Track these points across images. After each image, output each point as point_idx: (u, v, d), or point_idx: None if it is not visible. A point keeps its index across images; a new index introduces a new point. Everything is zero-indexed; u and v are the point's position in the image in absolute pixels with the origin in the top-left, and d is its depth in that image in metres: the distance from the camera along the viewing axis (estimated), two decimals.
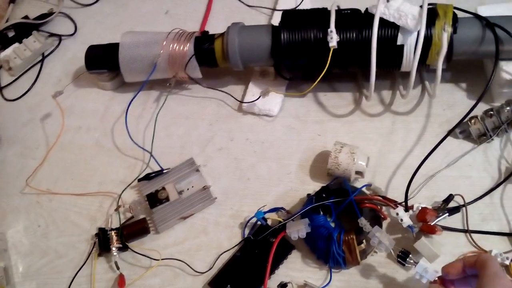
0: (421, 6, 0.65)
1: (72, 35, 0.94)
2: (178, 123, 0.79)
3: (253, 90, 0.78)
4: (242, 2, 0.90)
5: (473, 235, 0.62)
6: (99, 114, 0.82)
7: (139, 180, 0.72)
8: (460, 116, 0.69)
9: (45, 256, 0.71)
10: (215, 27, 0.88)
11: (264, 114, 0.77)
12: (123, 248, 0.67)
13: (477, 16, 0.67)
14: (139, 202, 0.70)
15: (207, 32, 0.78)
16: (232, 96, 0.79)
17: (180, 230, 0.69)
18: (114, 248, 0.67)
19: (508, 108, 0.65)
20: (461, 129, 0.69)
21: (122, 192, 0.72)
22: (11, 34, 0.91)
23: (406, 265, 0.58)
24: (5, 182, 0.78)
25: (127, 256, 0.68)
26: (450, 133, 0.64)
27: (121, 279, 0.65)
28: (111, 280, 0.67)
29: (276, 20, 0.84)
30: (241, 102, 0.78)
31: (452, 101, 0.73)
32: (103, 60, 0.79)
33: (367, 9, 0.69)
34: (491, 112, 0.66)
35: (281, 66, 0.75)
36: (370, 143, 0.71)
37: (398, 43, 0.66)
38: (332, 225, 0.62)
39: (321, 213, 0.62)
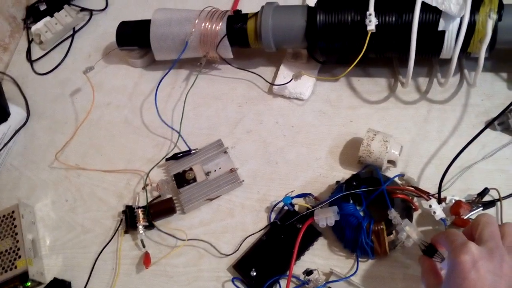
0: None
1: (103, 10, 0.93)
2: (207, 104, 0.78)
3: (285, 73, 0.76)
4: None
5: None
6: (129, 91, 0.82)
7: (167, 159, 0.72)
8: (499, 107, 0.67)
9: (72, 230, 0.71)
10: (248, 5, 0.86)
11: (295, 98, 0.75)
12: (149, 226, 0.68)
13: None
14: (166, 181, 0.70)
15: (240, 11, 0.77)
16: (263, 78, 0.78)
17: (206, 212, 0.69)
18: (140, 226, 0.67)
19: None
20: (499, 121, 0.66)
21: (150, 170, 0.72)
22: (42, 7, 0.91)
23: (433, 259, 0.56)
24: (35, 156, 0.79)
25: (153, 234, 0.68)
26: (488, 126, 0.61)
27: (146, 257, 0.65)
28: (136, 258, 0.67)
29: (311, 0, 0.82)
30: (272, 84, 0.76)
31: (491, 91, 0.70)
32: (134, 37, 0.79)
33: None
34: None
35: (314, 48, 0.73)
36: (404, 131, 0.69)
37: (440, 28, 0.63)
38: (362, 214, 0.61)
39: (351, 201, 0.61)
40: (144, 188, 0.71)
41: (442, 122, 0.69)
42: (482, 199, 0.61)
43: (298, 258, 0.62)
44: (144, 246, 0.66)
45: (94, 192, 0.73)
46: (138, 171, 0.74)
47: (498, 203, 0.61)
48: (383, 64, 0.75)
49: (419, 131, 0.69)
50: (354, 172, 0.66)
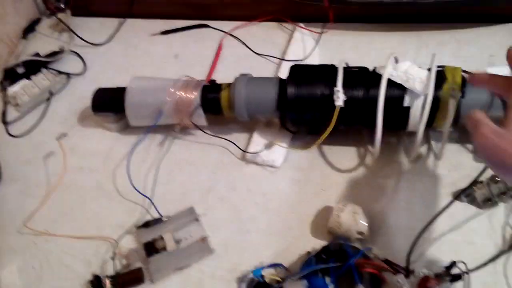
0: (429, 69, 0.65)
1: (81, 74, 0.94)
2: (180, 169, 0.79)
3: (258, 140, 0.78)
4: (251, 50, 0.91)
5: None
6: (103, 156, 0.82)
7: (137, 227, 0.71)
8: (466, 178, 0.69)
9: None
10: (223, 73, 0.88)
11: (267, 165, 0.76)
12: None
13: None
14: (135, 250, 0.69)
15: (215, 81, 0.79)
16: (236, 145, 0.79)
17: (175, 282, 0.68)
18: None
19: None
20: (466, 193, 0.68)
21: (119, 238, 0.71)
22: (20, 70, 0.92)
23: None
24: (3, 220, 0.77)
25: None
26: (455, 199, 0.63)
27: None
28: None
29: (284, 70, 0.85)
30: (245, 151, 0.77)
31: (457, 162, 0.72)
32: (109, 104, 0.80)
33: (375, 68, 0.69)
34: (497, 178, 0.65)
35: (286, 119, 0.75)
36: (373, 201, 0.70)
37: (405, 105, 0.65)
38: (331, 287, 0.61)
39: (320, 275, 0.61)
40: (113, 257, 0.69)
41: (411, 192, 0.71)
42: (450, 272, 0.61)
43: None
44: None
45: (62, 259, 0.72)
46: (108, 238, 0.72)
47: (466, 276, 0.61)
48: (354, 134, 0.77)
49: (388, 201, 0.70)
50: (325, 242, 0.66)
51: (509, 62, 0.50)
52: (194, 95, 0.75)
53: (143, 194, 0.75)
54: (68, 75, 0.94)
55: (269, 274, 0.65)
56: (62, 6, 1.03)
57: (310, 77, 0.70)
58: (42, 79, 0.90)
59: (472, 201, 0.68)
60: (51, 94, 0.91)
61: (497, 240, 0.65)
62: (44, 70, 0.92)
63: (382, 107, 0.64)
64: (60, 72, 0.93)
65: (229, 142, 0.79)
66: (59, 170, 0.80)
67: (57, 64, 0.95)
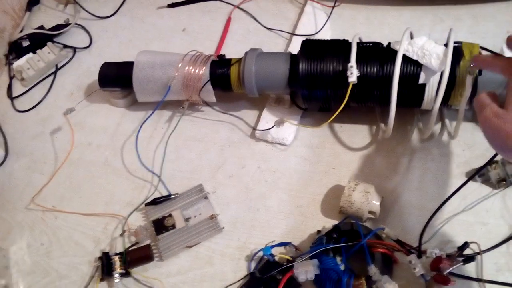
0: (446, 45, 0.63)
1: (87, 47, 0.93)
2: (189, 146, 0.78)
3: (267, 117, 0.76)
4: (261, 24, 0.88)
5: (488, 285, 0.60)
6: (110, 132, 0.81)
7: (146, 204, 0.71)
8: (480, 157, 0.68)
9: (47, 276, 0.69)
10: (232, 48, 0.86)
11: (277, 143, 0.75)
12: (126, 274, 0.66)
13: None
14: (145, 227, 0.69)
15: (224, 56, 0.77)
16: (246, 122, 0.77)
17: (185, 259, 0.68)
18: (116, 275, 0.65)
19: None
20: (480, 173, 0.66)
21: (129, 215, 0.71)
22: (25, 44, 0.90)
23: None
24: (11, 196, 0.77)
25: (129, 282, 0.67)
26: (469, 179, 0.61)
27: None
28: None
29: (295, 45, 0.83)
30: (254, 129, 0.76)
31: (472, 141, 0.70)
32: (116, 79, 0.78)
33: (389, 44, 0.67)
34: None
35: (297, 95, 0.73)
36: (385, 180, 0.69)
37: (420, 81, 0.64)
38: (342, 268, 0.60)
39: (331, 255, 0.60)
40: (122, 234, 0.69)
41: (424, 171, 0.69)
42: (462, 253, 0.60)
43: None
44: None
45: (71, 236, 0.72)
46: (116, 215, 0.72)
47: (479, 256, 0.61)
48: (366, 112, 0.75)
49: (401, 180, 0.69)
50: (336, 221, 0.66)
51: (509, 46, 0.50)
52: (203, 70, 0.73)
53: (151, 171, 0.75)
54: (74, 48, 0.92)
55: (279, 253, 0.64)
56: None
57: (322, 53, 0.68)
58: (48, 53, 0.89)
59: (486, 181, 0.66)
60: (57, 68, 0.90)
61: (510, 221, 0.64)
62: (49, 43, 0.90)
63: (397, 84, 0.63)
64: (65, 46, 0.92)
65: (239, 119, 0.78)
66: (66, 146, 0.80)
67: (63, 37, 0.94)
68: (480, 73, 0.63)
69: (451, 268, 0.58)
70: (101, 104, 0.84)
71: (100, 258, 0.67)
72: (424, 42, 0.63)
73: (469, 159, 0.69)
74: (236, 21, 0.91)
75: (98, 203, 0.74)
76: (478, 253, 0.61)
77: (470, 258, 0.60)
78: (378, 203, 0.64)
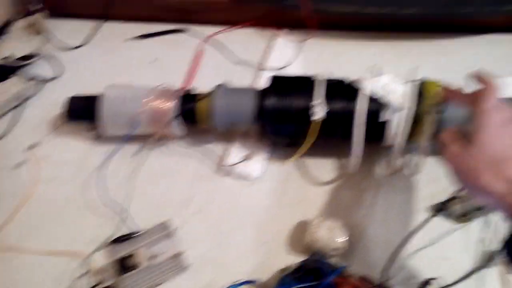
0: (408, 84, 0.64)
1: (55, 78, 0.92)
2: (157, 181, 0.77)
3: (236, 152, 0.76)
4: (231, 57, 0.89)
5: None
6: (76, 166, 0.80)
7: (110, 242, 0.70)
8: (443, 191, 0.69)
9: None
10: (202, 81, 0.86)
11: (245, 177, 0.75)
12: None
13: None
14: (108, 266, 0.68)
15: (192, 90, 0.77)
16: (214, 156, 0.77)
17: None
18: None
19: None
20: (443, 208, 0.67)
21: (92, 254, 0.69)
22: None
23: None
24: None
25: None
26: (434, 215, 0.62)
27: None
28: None
29: (265, 78, 0.83)
30: (223, 163, 0.76)
31: (435, 175, 0.71)
32: (84, 112, 0.77)
33: (355, 80, 0.68)
34: None
35: (265, 130, 0.74)
36: (351, 215, 0.70)
37: (383, 119, 0.65)
38: None
39: None
40: (84, 273, 0.68)
41: (388, 206, 0.70)
42: None
43: None
44: None
45: (31, 276, 0.69)
46: (80, 253, 0.70)
47: None
48: (333, 146, 0.75)
49: (366, 215, 0.70)
50: (302, 258, 0.65)
51: (474, 81, 0.52)
52: (171, 105, 0.73)
53: (116, 208, 0.73)
54: (42, 79, 0.91)
55: None
56: (38, 6, 0.99)
57: (290, 89, 0.69)
58: (14, 84, 0.87)
59: (449, 215, 0.67)
60: (24, 99, 0.88)
61: (472, 255, 0.65)
62: (17, 74, 0.89)
63: (361, 122, 0.63)
64: (33, 77, 0.91)
65: (207, 153, 0.78)
66: (29, 181, 0.78)
67: (31, 68, 0.92)
68: (442, 111, 0.64)
69: None
70: (68, 137, 0.83)
71: None
72: (388, 80, 0.64)
73: (432, 193, 0.70)
74: (207, 53, 0.91)
75: (60, 241, 0.72)
76: None
77: None
78: (343, 239, 0.64)
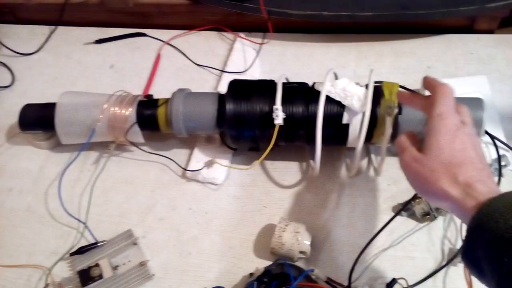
0: (367, 86, 0.65)
1: (8, 86, 0.89)
2: (117, 189, 0.75)
3: (198, 157, 0.75)
4: (191, 61, 0.88)
5: None
6: (33, 176, 0.77)
7: (71, 254, 0.68)
8: (405, 192, 0.70)
9: None
10: (162, 86, 0.85)
11: (208, 182, 0.74)
12: None
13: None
14: (70, 278, 0.66)
15: (151, 95, 0.76)
16: (176, 162, 0.76)
17: None
18: None
19: None
20: (405, 208, 0.68)
21: (53, 266, 0.67)
22: None
23: None
24: None
25: None
26: (396, 215, 0.63)
27: None
28: None
29: (225, 82, 0.82)
30: (185, 169, 0.75)
31: (397, 176, 0.72)
32: (38, 121, 0.75)
33: (314, 84, 0.68)
34: None
35: (226, 136, 0.73)
36: (315, 217, 0.70)
37: (344, 122, 0.65)
38: None
39: None
40: (45, 287, 0.66)
41: (352, 207, 0.70)
42: None
43: None
44: None
45: None
46: (40, 266, 0.68)
47: None
48: (296, 149, 0.76)
49: (330, 217, 0.70)
50: (269, 262, 0.65)
51: (425, 88, 0.53)
52: (129, 111, 0.72)
53: (76, 218, 0.71)
54: None
55: None
56: None
57: (249, 93, 0.68)
58: None
59: (412, 215, 0.68)
60: None
61: (436, 254, 0.66)
62: None
63: (321, 125, 0.64)
64: None
65: (169, 159, 0.76)
66: None
67: None
68: (400, 112, 0.65)
69: None
70: (23, 147, 0.81)
71: None
72: (346, 83, 0.65)
73: (395, 193, 0.71)
74: (166, 58, 0.90)
75: (19, 253, 0.70)
76: None
77: None
78: (308, 243, 0.64)
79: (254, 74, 0.84)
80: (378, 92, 0.65)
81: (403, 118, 0.65)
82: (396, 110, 0.64)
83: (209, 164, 0.72)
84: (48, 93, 0.80)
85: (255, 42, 0.88)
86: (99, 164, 0.77)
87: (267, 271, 0.62)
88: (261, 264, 0.65)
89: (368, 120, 0.63)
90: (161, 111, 0.71)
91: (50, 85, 0.88)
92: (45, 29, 0.96)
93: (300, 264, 0.65)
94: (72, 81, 0.89)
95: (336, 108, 0.65)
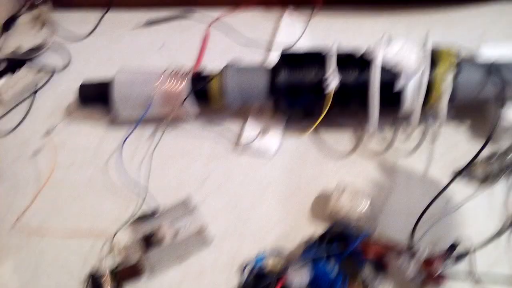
0: (422, 50, 0.64)
1: (65, 68, 0.92)
2: (174, 161, 0.77)
3: (251, 128, 0.76)
4: (239, 38, 0.89)
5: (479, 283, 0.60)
6: (92, 150, 0.80)
7: (134, 220, 0.70)
8: (463, 157, 0.69)
9: None
10: (211, 63, 0.86)
11: (262, 153, 0.75)
12: None
13: (480, 60, 0.67)
14: (133, 244, 0.68)
15: (203, 70, 0.77)
16: (229, 135, 0.77)
17: (175, 274, 0.67)
18: None
19: None
20: (465, 171, 0.67)
21: (116, 233, 0.69)
22: (2, 66, 0.89)
23: None
24: None
25: None
26: (455, 178, 0.63)
27: None
28: None
29: (274, 56, 0.83)
30: (238, 141, 0.76)
31: (454, 141, 0.72)
32: (96, 97, 0.77)
33: (367, 49, 0.68)
34: (495, 156, 0.65)
35: (279, 105, 0.74)
36: (372, 184, 0.70)
37: (398, 87, 0.65)
38: (335, 272, 0.60)
39: (323, 260, 0.60)
40: (109, 252, 0.68)
41: (409, 173, 0.70)
42: (453, 252, 0.61)
43: None
44: None
45: (57, 258, 0.70)
46: (103, 233, 0.71)
47: (469, 255, 0.61)
48: (350, 116, 0.76)
49: (387, 183, 0.70)
50: (325, 228, 0.65)
51: None
52: (182, 86, 0.74)
53: (137, 186, 0.73)
54: (51, 69, 0.91)
55: (270, 263, 0.64)
56: None
57: (301, 62, 0.69)
58: (25, 75, 0.88)
59: (472, 179, 0.67)
60: (35, 89, 0.89)
61: (497, 218, 0.65)
62: (27, 65, 0.89)
63: (376, 92, 0.64)
64: (43, 67, 0.91)
65: (221, 132, 0.78)
66: (48, 167, 0.78)
67: (40, 58, 0.93)
68: (457, 75, 0.64)
69: (443, 268, 0.58)
70: (82, 123, 0.84)
71: (88, 279, 0.66)
72: (401, 47, 0.64)
73: (453, 158, 0.70)
74: (214, 36, 0.91)
75: (83, 223, 0.73)
76: (469, 251, 0.61)
77: (461, 256, 0.61)
78: (366, 207, 0.64)
79: (303, 48, 0.84)
80: (434, 56, 0.64)
81: (460, 82, 0.65)
82: (453, 73, 0.63)
83: (262, 134, 0.73)
84: (102, 74, 0.82)
85: (303, 16, 0.88)
86: (155, 138, 0.79)
87: (326, 233, 0.62)
88: (319, 230, 0.66)
89: (425, 84, 0.62)
90: (214, 84, 0.73)
91: (103, 67, 0.90)
92: (96, 13, 0.99)
93: (358, 229, 0.65)
94: (124, 62, 0.90)
95: (390, 73, 0.65)
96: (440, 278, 0.56)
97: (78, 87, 0.79)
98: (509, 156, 0.65)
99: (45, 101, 0.88)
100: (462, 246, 0.61)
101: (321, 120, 0.68)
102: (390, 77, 0.65)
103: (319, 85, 0.67)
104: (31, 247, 0.71)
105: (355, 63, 0.68)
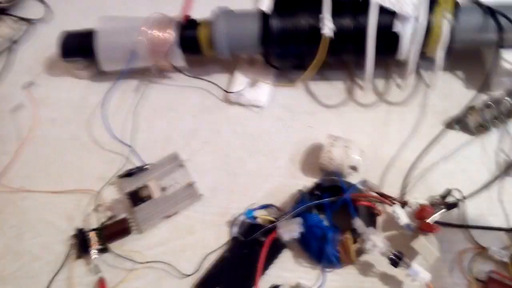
0: None
1: (44, 19, 0.88)
2: (160, 115, 0.75)
3: (240, 79, 0.74)
4: None
5: (471, 230, 0.60)
6: (75, 105, 0.77)
7: (119, 176, 0.68)
8: (457, 106, 0.68)
9: (19, 259, 0.66)
10: (198, 9, 0.83)
11: (252, 105, 0.73)
12: (104, 249, 0.63)
13: (478, 3, 0.64)
14: (119, 200, 0.66)
15: (190, 17, 0.73)
16: (218, 86, 0.75)
17: (164, 230, 0.65)
18: (93, 250, 0.63)
19: (507, 98, 0.63)
20: (458, 120, 0.66)
21: (101, 189, 0.68)
22: None
23: (398, 267, 0.55)
24: None
25: (108, 258, 0.64)
26: (447, 127, 0.61)
27: (101, 283, 0.61)
28: (91, 284, 0.62)
29: (265, 3, 0.79)
30: (228, 92, 0.73)
31: (448, 90, 0.70)
32: (78, 48, 0.74)
33: None
34: (490, 103, 0.63)
35: (270, 54, 0.71)
36: (363, 135, 0.68)
37: (395, 30, 0.62)
38: (326, 224, 0.59)
39: (315, 211, 0.59)
40: (96, 208, 0.66)
41: (401, 124, 0.68)
42: (444, 200, 0.60)
43: (263, 272, 0.59)
44: (98, 272, 0.62)
45: (42, 215, 0.68)
46: (88, 190, 0.69)
47: (461, 203, 0.61)
48: (341, 67, 0.73)
49: (379, 134, 0.68)
50: (316, 180, 0.64)
51: None
52: (169, 34, 0.70)
53: (122, 142, 0.71)
54: (30, 21, 0.87)
55: (261, 215, 0.63)
56: None
57: (294, 8, 0.66)
58: (2, 27, 0.83)
59: (465, 127, 0.66)
60: (14, 42, 0.85)
61: (490, 166, 0.64)
62: (3, 16, 0.85)
63: (373, 36, 0.61)
64: (21, 18, 0.86)
65: (210, 83, 0.75)
66: (29, 123, 0.75)
67: (18, 9, 0.88)
68: (455, 18, 0.61)
69: (435, 216, 0.57)
70: (63, 77, 0.80)
71: (74, 235, 0.64)
72: None
73: (446, 108, 0.69)
74: None
75: (68, 179, 0.71)
76: (461, 200, 0.60)
77: (453, 205, 0.60)
78: (358, 158, 0.63)
79: None
80: None
81: (459, 26, 0.62)
82: (451, 16, 0.60)
83: (252, 85, 0.70)
84: (84, 25, 0.79)
85: None
86: (140, 91, 0.77)
87: (318, 184, 0.61)
88: (310, 182, 0.64)
89: (423, 27, 0.60)
90: (202, 31, 0.69)
91: (84, 16, 0.86)
92: None
93: (349, 179, 0.64)
94: (106, 10, 0.87)
95: (386, 16, 0.62)
96: (432, 226, 0.55)
97: (59, 38, 0.75)
98: (502, 105, 0.63)
99: (24, 54, 0.84)
100: (454, 195, 0.60)
101: (312, 73, 0.66)
102: (386, 20, 0.62)
103: (313, 30, 0.64)
104: (14, 205, 0.70)
105: (350, 6, 0.64)
